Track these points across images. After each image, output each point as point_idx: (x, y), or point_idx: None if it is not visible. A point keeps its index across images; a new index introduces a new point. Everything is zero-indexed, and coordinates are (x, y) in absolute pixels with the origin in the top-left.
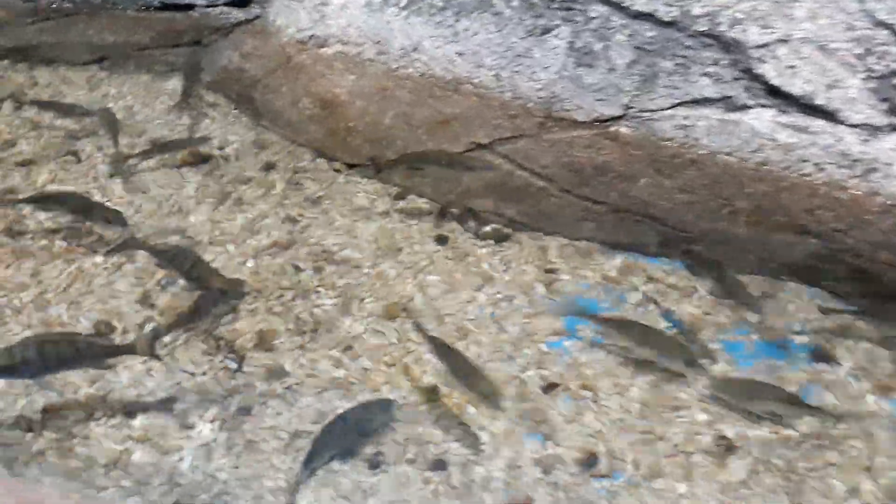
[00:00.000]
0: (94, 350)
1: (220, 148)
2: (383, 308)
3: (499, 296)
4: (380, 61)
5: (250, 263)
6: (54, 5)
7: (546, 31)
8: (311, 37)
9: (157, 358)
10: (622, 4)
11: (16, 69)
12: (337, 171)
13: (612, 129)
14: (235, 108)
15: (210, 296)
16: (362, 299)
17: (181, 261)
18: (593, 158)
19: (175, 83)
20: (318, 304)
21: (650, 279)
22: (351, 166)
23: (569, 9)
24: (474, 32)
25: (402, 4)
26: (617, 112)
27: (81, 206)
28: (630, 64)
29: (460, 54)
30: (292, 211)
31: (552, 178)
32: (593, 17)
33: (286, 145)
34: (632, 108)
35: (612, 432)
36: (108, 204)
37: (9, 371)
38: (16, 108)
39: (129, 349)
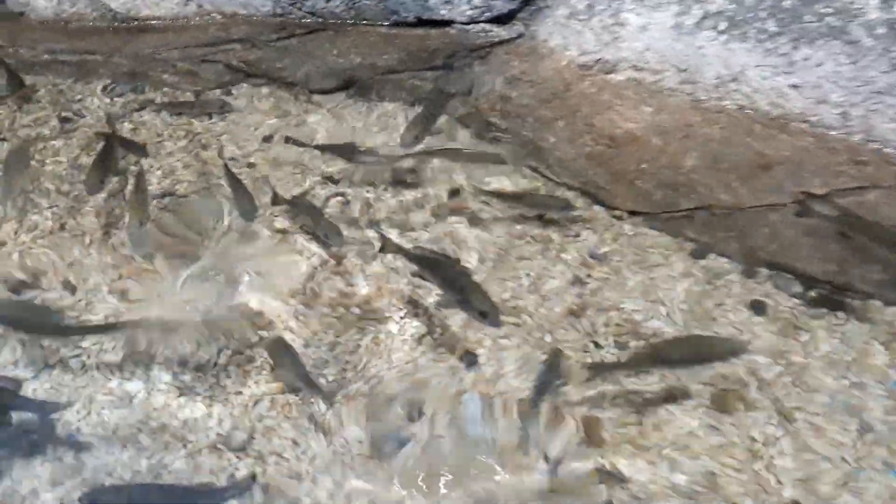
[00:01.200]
0: None
1: (477, 193)
2: (712, 396)
3: (845, 381)
4: (684, 91)
5: (548, 338)
6: (301, 20)
7: None
8: (597, 61)
9: None
10: None
11: (260, 95)
12: (617, 218)
13: None
14: (492, 143)
15: None
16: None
17: None
18: None
19: (421, 112)
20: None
21: None
22: (632, 213)
23: None
24: (817, 63)
25: (720, 28)
26: None
27: None
28: None
29: (795, 87)
30: (579, 270)
31: None
32: None
33: (552, 188)
34: None
35: None
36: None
37: None
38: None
39: None
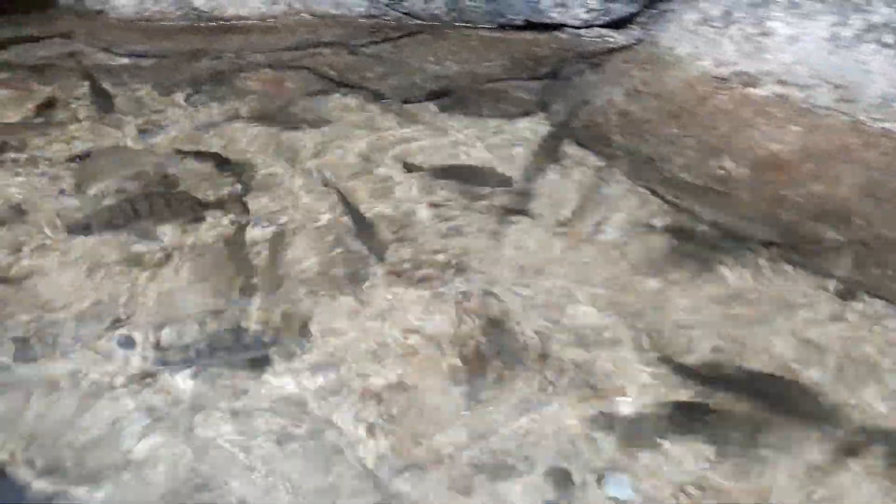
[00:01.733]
0: None
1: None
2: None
3: None
4: (840, 111)
5: None
6: (396, 22)
7: None
8: (735, 73)
9: None
10: None
11: (347, 107)
12: (750, 250)
13: None
14: (606, 162)
15: None
16: None
17: None
18: None
19: (528, 127)
20: None
21: None
22: (768, 245)
23: None
24: None
25: (886, 41)
26: None
27: None
28: None
29: None
30: (730, 307)
31: None
32: None
33: (678, 216)
34: None
35: None
36: None
37: None
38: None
39: None
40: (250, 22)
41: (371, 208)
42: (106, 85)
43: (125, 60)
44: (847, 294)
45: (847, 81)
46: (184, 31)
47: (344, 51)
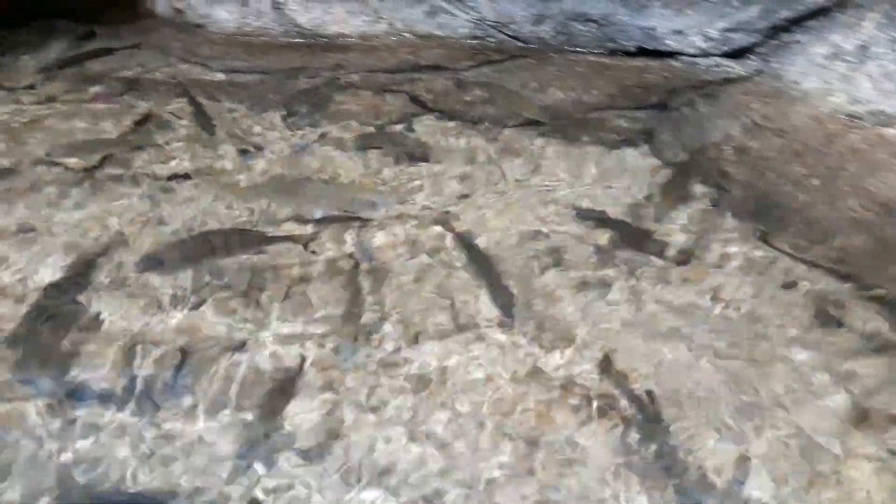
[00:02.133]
0: None
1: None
2: None
3: None
4: None
5: None
6: (498, 44)
7: None
8: (871, 112)
9: None
10: None
11: (446, 130)
12: (878, 301)
13: None
14: (718, 202)
15: None
16: None
17: None
18: None
19: (634, 157)
20: None
21: None
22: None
23: None
24: None
25: None
26: None
27: None
28: None
29: None
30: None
31: None
32: None
33: (799, 267)
34: None
35: None
36: None
37: None
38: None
39: None
40: (351, 41)
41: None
42: (202, 100)
43: (222, 76)
44: None
45: None
46: (284, 48)
47: (443, 75)
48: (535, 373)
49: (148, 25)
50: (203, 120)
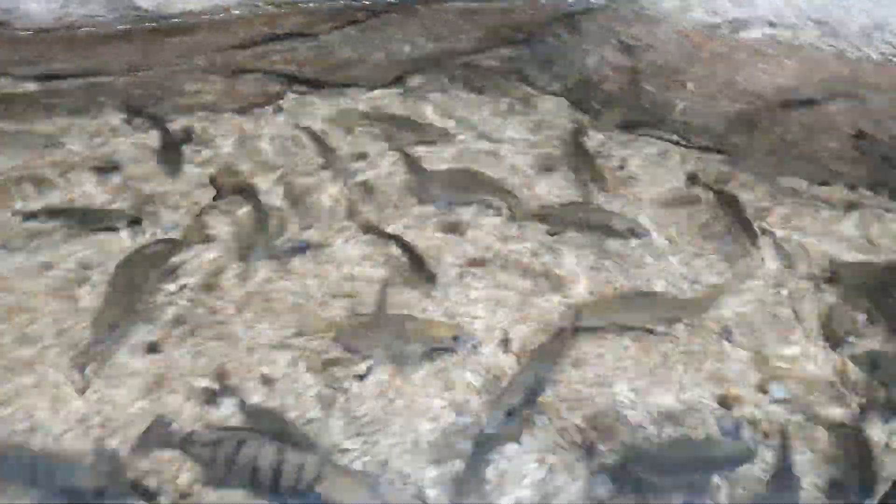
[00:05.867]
0: None
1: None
2: None
3: None
4: (826, 45)
5: None
6: (361, 3)
7: None
8: (728, 21)
9: None
10: None
11: (327, 98)
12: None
13: None
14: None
15: None
16: None
17: None
18: None
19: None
20: None
21: None
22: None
23: None
24: None
25: None
26: None
27: None
28: None
29: None
30: None
31: None
32: None
33: (685, 152)
34: None
35: None
36: None
37: None
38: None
39: None
40: (202, 18)
41: None
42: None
43: (33, 86)
44: None
45: (830, 18)
46: (118, 38)
47: (305, 43)
48: None
49: None
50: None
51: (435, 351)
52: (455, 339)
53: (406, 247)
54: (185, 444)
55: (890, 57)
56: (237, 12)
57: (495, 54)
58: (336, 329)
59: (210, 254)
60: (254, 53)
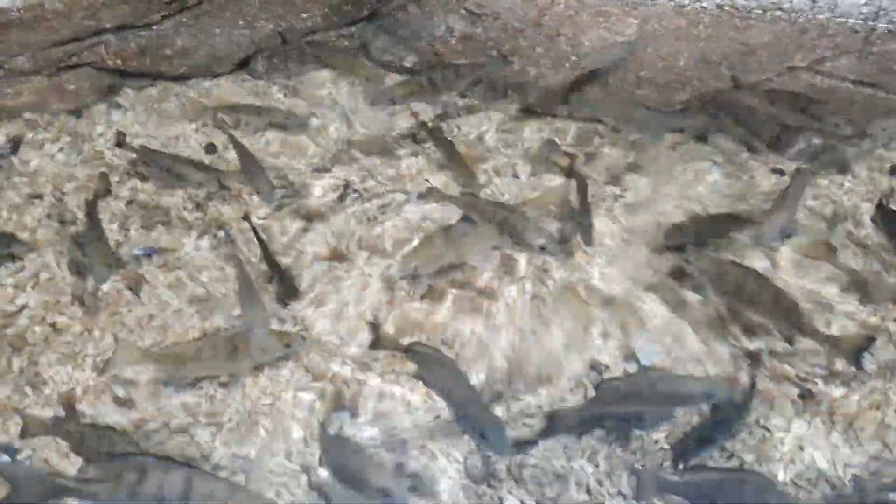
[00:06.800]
0: None
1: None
2: None
3: None
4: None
5: None
6: None
7: None
8: None
9: None
10: None
11: (167, 91)
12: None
13: None
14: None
15: None
16: None
17: None
18: None
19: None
20: None
21: None
22: None
23: None
24: None
25: None
26: None
27: None
28: None
29: None
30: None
31: None
32: None
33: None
34: None
35: None
36: None
37: None
38: None
39: None
40: (12, 16)
41: None
42: None
43: None
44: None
45: None
46: None
47: (134, 34)
48: None
49: None
50: None
51: None
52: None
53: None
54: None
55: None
56: (53, 7)
57: (341, 32)
58: None
59: None
60: (80, 48)
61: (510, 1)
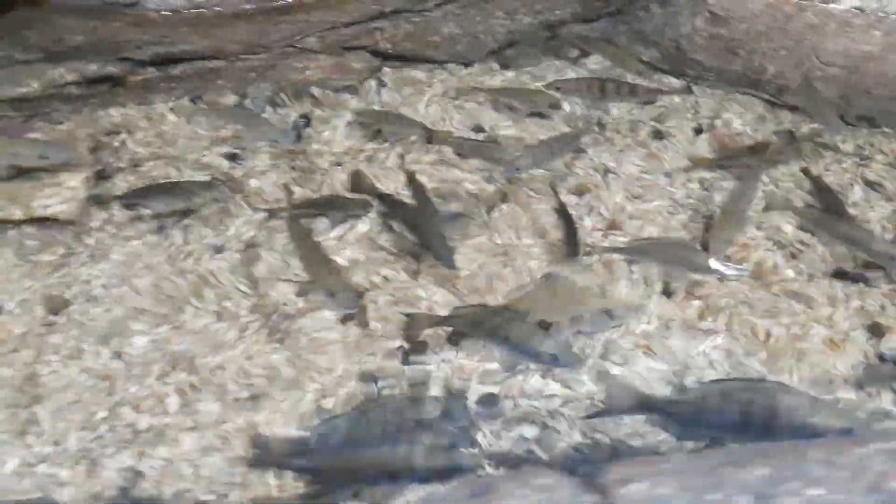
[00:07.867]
0: None
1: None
2: None
3: None
4: None
5: None
6: None
7: None
8: None
9: None
10: None
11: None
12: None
13: None
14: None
15: None
16: None
17: None
18: None
19: None
20: None
21: None
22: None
23: None
24: None
25: None
26: None
27: None
28: None
29: None
30: None
31: None
32: None
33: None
34: None
35: None
36: None
37: None
38: None
39: None
40: None
41: None
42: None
43: (152, 71)
44: None
45: None
46: (237, 18)
47: (409, 18)
48: None
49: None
50: None
51: None
52: None
53: None
54: None
55: None
56: None
57: (588, 26)
58: None
59: None
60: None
61: (757, 8)
